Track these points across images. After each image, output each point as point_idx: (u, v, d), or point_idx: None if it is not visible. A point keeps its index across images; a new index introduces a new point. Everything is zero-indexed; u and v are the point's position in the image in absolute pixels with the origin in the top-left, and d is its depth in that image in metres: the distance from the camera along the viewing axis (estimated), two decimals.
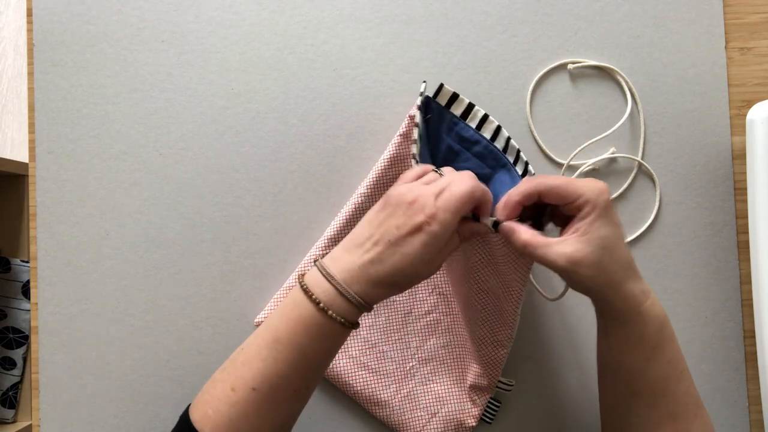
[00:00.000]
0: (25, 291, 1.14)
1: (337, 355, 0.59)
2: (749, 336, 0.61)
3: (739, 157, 0.62)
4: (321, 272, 0.45)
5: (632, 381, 0.47)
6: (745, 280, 0.62)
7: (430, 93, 0.56)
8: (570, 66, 0.63)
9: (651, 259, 0.62)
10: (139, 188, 0.63)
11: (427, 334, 0.60)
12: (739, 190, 0.62)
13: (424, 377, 0.60)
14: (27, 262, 1.13)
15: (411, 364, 0.60)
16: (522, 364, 0.61)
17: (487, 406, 0.59)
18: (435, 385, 0.60)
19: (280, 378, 0.45)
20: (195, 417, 0.45)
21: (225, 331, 0.62)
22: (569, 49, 0.63)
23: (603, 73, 0.63)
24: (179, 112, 0.63)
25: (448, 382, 0.60)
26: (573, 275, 0.43)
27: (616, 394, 0.49)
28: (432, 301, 0.60)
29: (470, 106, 0.56)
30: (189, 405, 0.47)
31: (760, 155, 0.55)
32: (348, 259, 0.45)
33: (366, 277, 0.44)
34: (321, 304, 0.44)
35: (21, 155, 1.43)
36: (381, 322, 0.60)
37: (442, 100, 0.56)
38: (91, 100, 0.63)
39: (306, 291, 0.45)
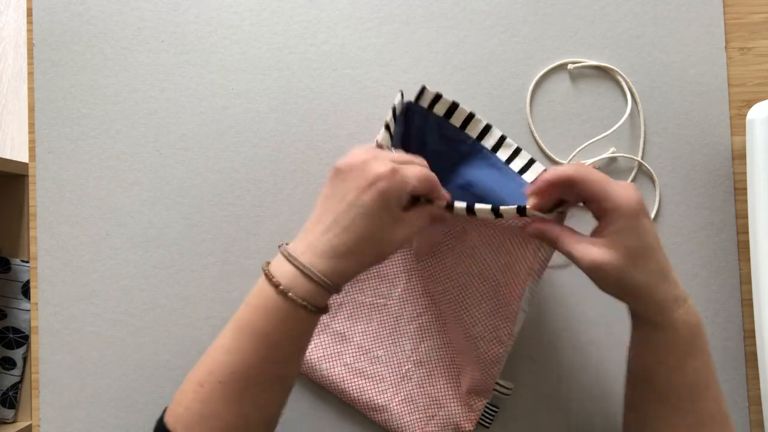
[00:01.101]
0: (25, 291, 1.14)
1: (331, 362, 0.59)
2: (749, 336, 0.61)
3: (739, 157, 0.62)
4: (283, 255, 0.43)
5: (659, 386, 0.46)
6: (745, 280, 0.62)
7: (412, 97, 0.53)
8: (570, 66, 0.63)
9: None
10: (139, 188, 0.63)
11: (420, 336, 0.60)
12: (739, 190, 0.62)
13: (420, 380, 0.59)
14: (27, 262, 1.13)
15: (406, 368, 0.60)
16: (521, 366, 0.61)
17: (485, 411, 0.59)
18: (431, 387, 0.59)
19: (248, 368, 0.43)
20: (168, 418, 0.44)
21: None
22: (569, 49, 0.63)
23: (603, 73, 0.63)
24: (179, 112, 0.63)
25: (444, 385, 0.59)
26: (596, 278, 0.44)
27: (641, 398, 0.49)
28: (422, 303, 0.60)
29: (454, 105, 0.54)
30: (166, 407, 0.46)
31: (760, 155, 0.55)
32: (308, 238, 0.43)
33: (328, 250, 0.42)
34: (281, 287, 0.41)
35: (21, 155, 1.44)
36: (374, 327, 0.60)
37: (425, 102, 0.54)
38: (91, 100, 0.63)
39: (267, 275, 0.43)
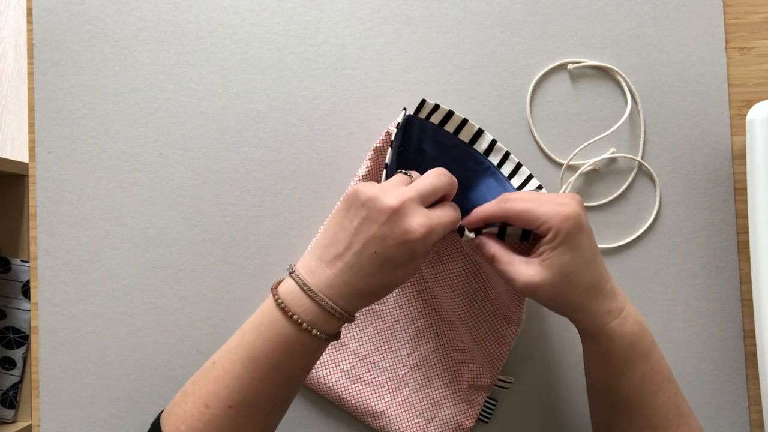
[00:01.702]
0: (25, 291, 1.14)
1: (328, 370, 0.59)
2: (749, 336, 0.61)
3: (739, 157, 0.62)
4: (300, 287, 0.42)
5: (608, 394, 0.47)
6: (745, 280, 0.62)
7: (412, 110, 0.55)
8: (570, 66, 0.63)
9: (651, 259, 0.62)
10: (139, 188, 0.63)
11: (416, 340, 0.60)
12: (739, 190, 0.62)
13: (418, 383, 0.59)
14: (27, 262, 1.13)
15: (403, 372, 0.60)
16: (521, 363, 0.61)
17: (484, 405, 0.59)
18: (429, 390, 0.59)
19: (257, 395, 0.43)
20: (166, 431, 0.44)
21: (225, 331, 0.62)
22: (569, 49, 0.63)
23: (603, 73, 0.63)
24: (179, 112, 0.63)
25: (443, 386, 0.59)
26: (532, 296, 0.45)
27: (597, 406, 0.50)
28: (418, 307, 0.60)
29: (449, 114, 0.55)
30: (160, 413, 0.46)
31: (760, 155, 0.55)
32: (329, 273, 0.42)
33: (351, 292, 0.42)
34: (303, 325, 0.41)
35: (21, 155, 1.43)
36: (369, 333, 0.60)
37: (424, 113, 0.55)
38: (91, 100, 0.63)
39: (284, 310, 0.42)
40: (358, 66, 0.63)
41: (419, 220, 0.41)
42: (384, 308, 0.60)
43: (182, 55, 0.63)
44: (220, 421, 0.43)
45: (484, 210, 0.47)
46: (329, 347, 0.59)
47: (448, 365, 0.60)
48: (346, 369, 0.59)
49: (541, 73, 0.63)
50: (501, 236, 0.48)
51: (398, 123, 0.53)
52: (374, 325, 0.60)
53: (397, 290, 0.60)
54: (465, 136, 0.57)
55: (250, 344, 0.43)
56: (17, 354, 1.14)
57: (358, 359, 0.59)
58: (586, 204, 0.62)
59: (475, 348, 0.58)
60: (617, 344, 0.45)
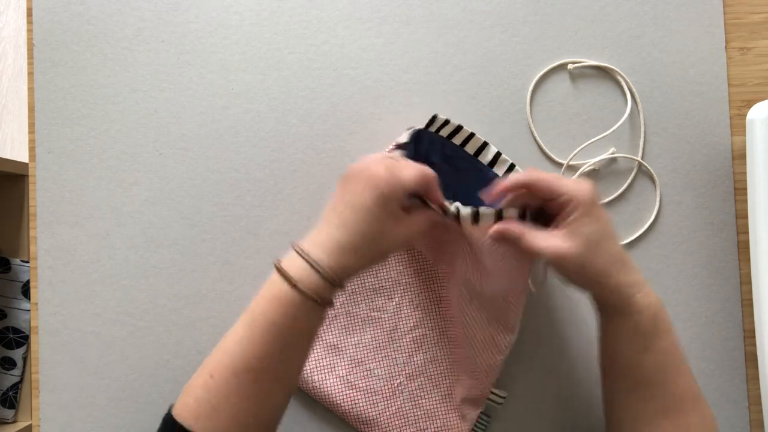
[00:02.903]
0: (25, 291, 1.14)
1: (324, 374, 0.59)
2: (749, 336, 0.61)
3: (739, 157, 0.62)
4: (295, 250, 0.46)
5: (630, 374, 0.48)
6: (745, 280, 0.62)
7: (422, 124, 0.56)
8: (570, 66, 0.63)
9: (651, 259, 0.62)
10: (139, 188, 0.63)
11: (413, 349, 0.60)
12: (739, 190, 0.62)
13: (412, 393, 0.59)
14: (27, 262, 1.13)
15: (398, 381, 0.59)
16: (521, 366, 0.61)
17: (478, 420, 0.59)
18: (423, 400, 0.59)
19: (258, 360, 0.44)
20: (177, 410, 0.45)
21: (225, 331, 0.62)
22: (569, 49, 0.63)
23: (603, 73, 0.63)
24: (179, 112, 0.63)
25: (437, 398, 0.59)
26: (559, 268, 0.46)
27: (615, 390, 0.50)
28: (417, 316, 0.60)
29: (458, 128, 0.57)
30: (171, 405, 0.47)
31: (760, 155, 0.55)
32: (316, 237, 0.46)
33: (334, 247, 0.45)
34: (293, 280, 0.44)
35: (21, 155, 1.43)
36: (367, 340, 0.60)
37: (434, 127, 0.56)
38: (91, 100, 0.63)
39: (280, 270, 0.45)
40: (358, 66, 0.63)
41: (382, 164, 0.46)
42: (383, 315, 0.60)
43: (182, 55, 0.63)
44: (225, 388, 0.44)
45: (508, 180, 0.49)
46: (325, 352, 0.59)
47: (444, 378, 0.59)
48: (341, 374, 0.59)
49: (541, 73, 0.63)
50: (475, 217, 0.49)
51: (408, 137, 0.54)
52: (372, 332, 0.60)
53: (397, 299, 0.60)
54: (471, 148, 0.58)
55: (251, 309, 0.46)
56: (17, 354, 1.14)
57: (354, 365, 0.59)
58: None
59: (471, 356, 0.58)
60: (644, 316, 0.46)
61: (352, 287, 0.60)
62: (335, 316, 0.60)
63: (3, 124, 1.46)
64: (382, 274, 0.60)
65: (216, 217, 0.62)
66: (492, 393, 0.59)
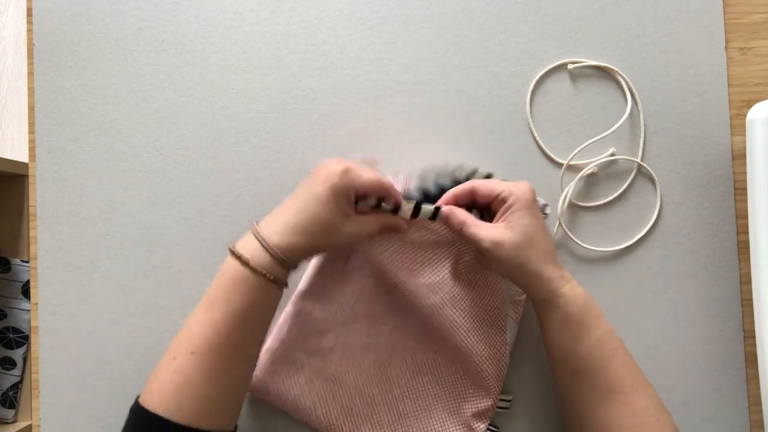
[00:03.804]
0: (25, 291, 1.14)
1: (327, 407, 0.58)
2: (749, 336, 0.61)
3: (739, 157, 0.62)
4: (251, 230, 0.49)
5: (569, 361, 0.51)
6: (745, 280, 0.62)
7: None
8: (570, 66, 0.63)
9: (651, 259, 0.62)
10: (139, 188, 0.63)
11: (414, 372, 0.59)
12: (739, 190, 0.62)
13: (418, 414, 0.58)
14: (27, 262, 1.13)
15: (403, 404, 0.58)
16: (521, 367, 0.61)
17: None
18: (430, 419, 0.58)
19: (218, 337, 0.47)
20: (142, 397, 0.47)
21: None
22: (569, 49, 0.63)
23: (603, 73, 0.63)
24: (179, 112, 0.63)
25: (443, 415, 0.58)
26: (496, 255, 0.50)
27: (561, 378, 0.53)
28: (415, 338, 0.59)
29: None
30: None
31: (760, 155, 0.55)
32: (272, 218, 0.50)
33: (282, 227, 0.48)
34: (243, 258, 0.47)
35: (21, 155, 1.43)
36: (366, 367, 0.59)
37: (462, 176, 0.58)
38: (91, 100, 0.63)
39: (231, 250, 0.49)
40: (358, 66, 0.63)
41: (341, 164, 0.50)
42: (379, 341, 0.59)
43: (182, 55, 0.63)
44: (187, 368, 0.46)
45: (455, 189, 0.54)
46: (326, 385, 0.58)
47: (449, 395, 0.58)
48: (344, 404, 0.58)
49: (541, 73, 0.63)
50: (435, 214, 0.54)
51: (416, 192, 0.57)
52: (371, 359, 0.59)
53: (392, 323, 0.59)
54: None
55: (208, 292, 0.49)
56: (17, 354, 1.14)
57: (356, 394, 0.58)
58: (585, 205, 0.62)
59: (472, 367, 0.57)
60: (573, 306, 0.50)
61: (345, 316, 0.59)
62: (332, 348, 0.58)
63: (3, 124, 1.46)
64: (377, 300, 0.59)
65: (216, 217, 0.62)
66: (498, 399, 0.58)
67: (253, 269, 0.47)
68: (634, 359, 0.51)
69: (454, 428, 0.58)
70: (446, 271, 0.56)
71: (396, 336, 0.59)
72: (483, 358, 0.56)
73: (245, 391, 0.52)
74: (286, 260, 0.48)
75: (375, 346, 0.59)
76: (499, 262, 0.51)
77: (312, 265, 0.60)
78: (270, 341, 0.58)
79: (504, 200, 0.51)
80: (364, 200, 0.52)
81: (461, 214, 0.52)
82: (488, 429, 0.58)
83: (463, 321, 0.56)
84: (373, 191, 0.51)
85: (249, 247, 0.48)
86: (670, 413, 0.50)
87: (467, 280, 0.57)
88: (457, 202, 0.54)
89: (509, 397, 0.59)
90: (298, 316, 0.59)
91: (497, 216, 0.52)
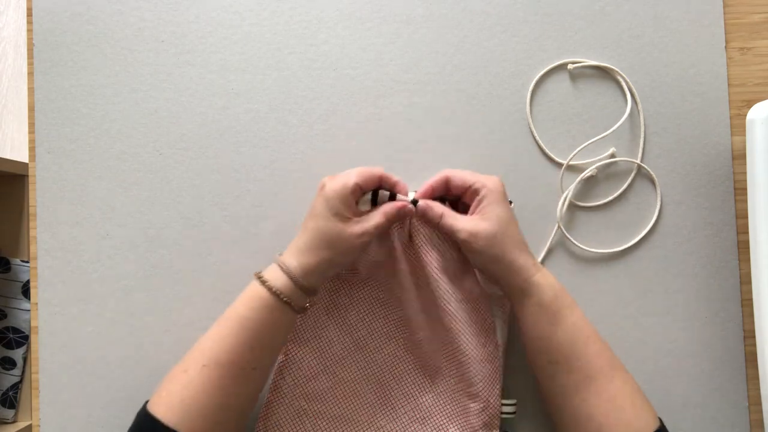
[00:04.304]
0: (25, 291, 1.14)
1: None
2: (749, 336, 0.61)
3: (739, 157, 0.62)
4: (273, 259, 0.53)
5: (545, 349, 0.52)
6: (745, 280, 0.62)
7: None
8: (570, 66, 0.63)
9: (651, 259, 0.62)
10: (139, 188, 0.63)
11: (416, 393, 0.58)
12: (739, 190, 0.62)
13: None
14: (27, 262, 1.13)
15: (413, 428, 0.58)
16: (521, 370, 0.61)
17: None
18: None
19: (229, 353, 0.49)
20: (151, 404, 0.49)
21: None
22: (569, 49, 0.63)
23: (603, 73, 0.63)
24: (179, 112, 0.63)
25: (455, 431, 0.57)
26: (473, 245, 0.51)
27: (539, 369, 0.54)
28: (411, 360, 0.59)
29: None
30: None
31: (760, 155, 0.55)
32: (288, 249, 0.53)
33: (294, 249, 0.52)
34: (261, 278, 0.51)
35: (21, 155, 1.43)
36: (370, 400, 0.58)
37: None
38: (91, 100, 0.63)
39: (256, 274, 0.52)
40: (358, 66, 0.63)
41: (333, 177, 0.52)
42: (375, 370, 0.59)
43: (182, 55, 0.63)
44: (196, 382, 0.48)
45: (430, 180, 0.55)
46: (332, 427, 0.58)
47: (456, 410, 0.57)
48: None
49: (541, 73, 0.63)
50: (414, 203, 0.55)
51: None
52: (374, 391, 0.58)
53: (383, 350, 0.59)
54: None
55: (227, 310, 0.52)
56: (17, 354, 1.14)
57: (365, 427, 0.58)
58: (585, 205, 0.62)
59: (468, 373, 0.56)
60: (546, 294, 0.51)
61: (336, 352, 0.59)
62: (329, 388, 0.58)
63: (3, 124, 1.46)
64: (371, 328, 0.59)
65: (216, 217, 0.62)
66: (502, 405, 0.57)
67: (269, 289, 0.50)
68: (608, 345, 0.53)
69: None
70: (429, 278, 0.56)
71: (391, 363, 0.59)
72: (477, 359, 0.56)
73: (249, 414, 0.53)
74: (302, 282, 0.51)
75: (372, 375, 0.59)
76: (476, 253, 0.52)
77: None
78: (268, 395, 0.58)
79: (476, 192, 0.53)
80: (362, 198, 0.53)
81: (438, 208, 0.54)
82: None
83: (453, 324, 0.56)
84: (365, 183, 0.52)
85: (270, 271, 0.52)
86: (646, 397, 0.52)
87: (451, 283, 0.57)
88: (434, 193, 0.55)
89: (513, 401, 0.58)
90: (288, 364, 0.58)
91: (471, 208, 0.54)
